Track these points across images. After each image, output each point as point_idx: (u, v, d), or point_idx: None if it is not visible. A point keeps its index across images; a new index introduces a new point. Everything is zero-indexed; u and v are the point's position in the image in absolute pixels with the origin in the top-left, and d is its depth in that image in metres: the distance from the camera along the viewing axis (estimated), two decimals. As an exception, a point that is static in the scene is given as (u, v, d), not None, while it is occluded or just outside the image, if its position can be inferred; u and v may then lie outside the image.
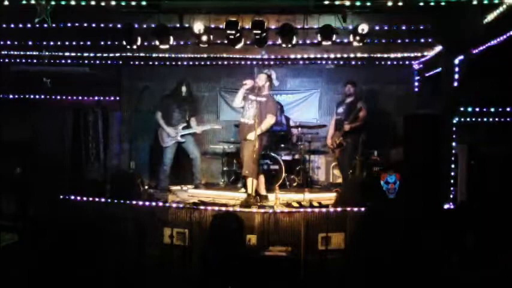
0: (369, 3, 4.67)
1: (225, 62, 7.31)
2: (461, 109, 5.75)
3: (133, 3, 4.70)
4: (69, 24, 5.24)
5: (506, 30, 4.87)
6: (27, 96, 7.32)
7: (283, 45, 5.18)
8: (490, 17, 4.72)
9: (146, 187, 6.19)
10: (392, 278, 3.77)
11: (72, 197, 5.41)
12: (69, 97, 7.41)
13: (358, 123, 6.24)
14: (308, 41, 5.62)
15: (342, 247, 4.71)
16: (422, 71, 7.16)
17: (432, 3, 4.60)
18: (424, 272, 3.89)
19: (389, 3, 4.53)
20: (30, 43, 5.86)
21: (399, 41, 5.76)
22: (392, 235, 3.89)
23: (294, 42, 5.14)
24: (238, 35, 5.04)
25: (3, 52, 6.31)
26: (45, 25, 4.68)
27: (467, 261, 4.20)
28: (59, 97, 7.39)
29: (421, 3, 4.59)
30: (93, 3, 4.61)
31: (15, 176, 6.64)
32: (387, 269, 3.79)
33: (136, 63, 7.39)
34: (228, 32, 4.98)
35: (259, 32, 4.97)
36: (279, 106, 6.82)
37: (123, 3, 4.68)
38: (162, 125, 6.47)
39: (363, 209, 4.75)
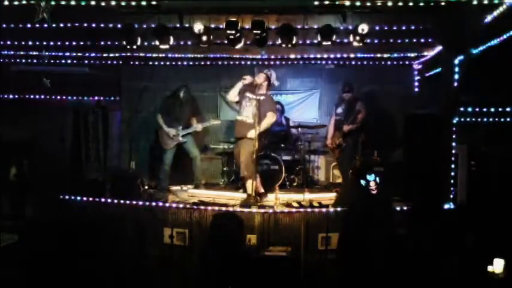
0: (368, 3, 4.68)
1: (225, 62, 7.31)
2: (461, 109, 5.75)
3: (133, 3, 4.70)
4: (69, 24, 5.24)
5: (506, 30, 4.87)
6: (27, 96, 7.32)
7: (283, 45, 5.18)
8: (490, 17, 4.73)
9: (146, 187, 6.19)
10: (390, 279, 3.77)
11: (72, 197, 5.41)
12: (69, 97, 7.41)
13: (357, 125, 6.22)
14: (308, 41, 5.61)
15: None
16: (422, 71, 7.17)
17: (432, 3, 4.60)
18: (423, 273, 3.89)
19: (389, 3, 4.54)
20: (30, 43, 5.86)
21: (399, 41, 5.76)
22: (380, 233, 3.89)
23: (294, 42, 5.14)
24: (238, 35, 5.04)
25: (3, 52, 6.32)
26: (45, 25, 4.69)
27: (467, 261, 4.20)
28: (59, 97, 7.40)
29: (421, 3, 4.60)
30: (93, 3, 4.62)
31: (11, 176, 6.64)
32: (384, 270, 3.79)
33: (136, 63, 7.40)
34: (228, 32, 4.98)
35: (259, 32, 4.97)
36: (279, 106, 6.81)
37: (123, 3, 4.69)
38: (163, 126, 6.48)
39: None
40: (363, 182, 4.13)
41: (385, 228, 3.97)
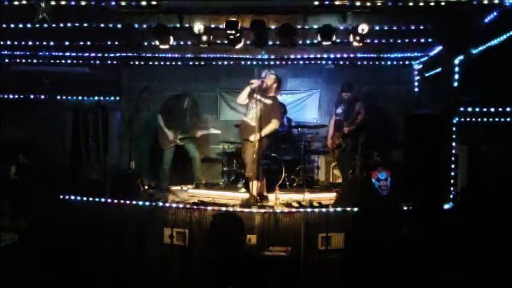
0: (368, 3, 4.68)
1: (225, 62, 7.31)
2: (461, 109, 5.75)
3: (133, 3, 4.70)
4: (69, 24, 5.24)
5: (506, 30, 4.87)
6: (27, 96, 7.32)
7: (283, 45, 5.18)
8: (490, 17, 4.73)
9: (146, 187, 6.20)
10: (392, 278, 3.77)
11: (72, 197, 5.41)
12: (69, 97, 7.41)
13: (356, 126, 6.22)
14: (308, 41, 5.61)
15: (342, 247, 4.71)
16: (422, 71, 7.17)
17: (432, 3, 4.60)
18: (423, 273, 3.88)
19: (389, 3, 4.54)
20: (30, 43, 5.86)
21: (399, 41, 5.76)
22: (388, 233, 3.89)
23: (294, 42, 5.13)
24: (238, 35, 5.04)
25: (3, 52, 6.31)
26: (45, 25, 4.69)
27: (467, 261, 4.19)
28: (59, 97, 7.39)
29: (421, 3, 4.60)
30: (93, 3, 4.62)
31: (12, 175, 6.64)
32: (386, 269, 3.78)
33: (136, 63, 7.40)
34: (228, 32, 4.98)
35: (259, 32, 4.97)
36: (284, 109, 6.81)
37: (123, 3, 4.69)
38: (163, 127, 6.50)
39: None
40: (375, 181, 4.13)
41: (393, 228, 3.96)
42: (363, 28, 4.89)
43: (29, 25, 5.02)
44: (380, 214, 3.92)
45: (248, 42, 5.35)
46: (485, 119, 5.99)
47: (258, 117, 5.27)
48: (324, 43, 5.08)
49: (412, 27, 5.30)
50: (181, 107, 6.59)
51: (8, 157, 6.65)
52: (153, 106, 7.12)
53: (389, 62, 7.18)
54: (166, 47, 5.31)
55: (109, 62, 7.16)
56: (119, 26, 5.23)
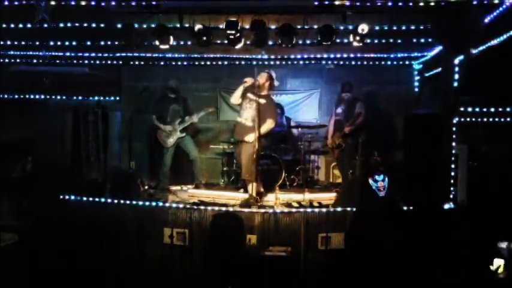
0: (368, 3, 4.68)
1: (225, 62, 7.32)
2: (461, 109, 5.75)
3: (133, 3, 4.71)
4: (69, 24, 5.24)
5: (506, 30, 4.87)
6: (27, 96, 7.33)
7: (283, 45, 5.18)
8: (490, 17, 4.73)
9: (146, 187, 6.20)
10: (391, 278, 3.76)
11: (72, 197, 5.41)
12: (69, 97, 7.42)
13: (357, 126, 6.21)
14: (308, 41, 5.62)
15: (342, 247, 4.71)
16: (422, 71, 7.17)
17: (432, 3, 4.60)
18: (423, 273, 3.88)
19: (390, 3, 4.54)
20: (30, 43, 5.86)
21: (399, 41, 5.76)
22: (387, 234, 3.89)
23: (294, 42, 5.13)
24: (238, 35, 5.04)
25: (3, 52, 6.32)
26: (45, 25, 4.69)
27: (467, 261, 4.19)
28: (59, 97, 7.40)
29: (421, 3, 4.60)
30: (93, 3, 4.62)
31: (20, 174, 6.64)
32: (385, 269, 3.78)
33: (136, 63, 7.40)
34: (228, 32, 4.99)
35: (259, 32, 4.97)
36: (279, 109, 6.80)
37: (123, 3, 4.69)
38: (160, 126, 6.50)
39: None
40: (371, 182, 4.12)
41: (393, 228, 3.96)
42: (363, 28, 4.89)
43: (29, 25, 5.03)
44: (378, 214, 3.92)
45: (248, 42, 5.34)
46: (485, 119, 5.98)
47: (254, 118, 5.24)
48: (324, 43, 5.09)
49: (412, 27, 5.30)
50: (171, 102, 6.59)
51: (8, 158, 6.65)
52: (153, 106, 7.13)
53: (389, 62, 7.19)
54: (166, 47, 5.31)
55: (109, 62, 7.16)
56: (119, 26, 5.24)
